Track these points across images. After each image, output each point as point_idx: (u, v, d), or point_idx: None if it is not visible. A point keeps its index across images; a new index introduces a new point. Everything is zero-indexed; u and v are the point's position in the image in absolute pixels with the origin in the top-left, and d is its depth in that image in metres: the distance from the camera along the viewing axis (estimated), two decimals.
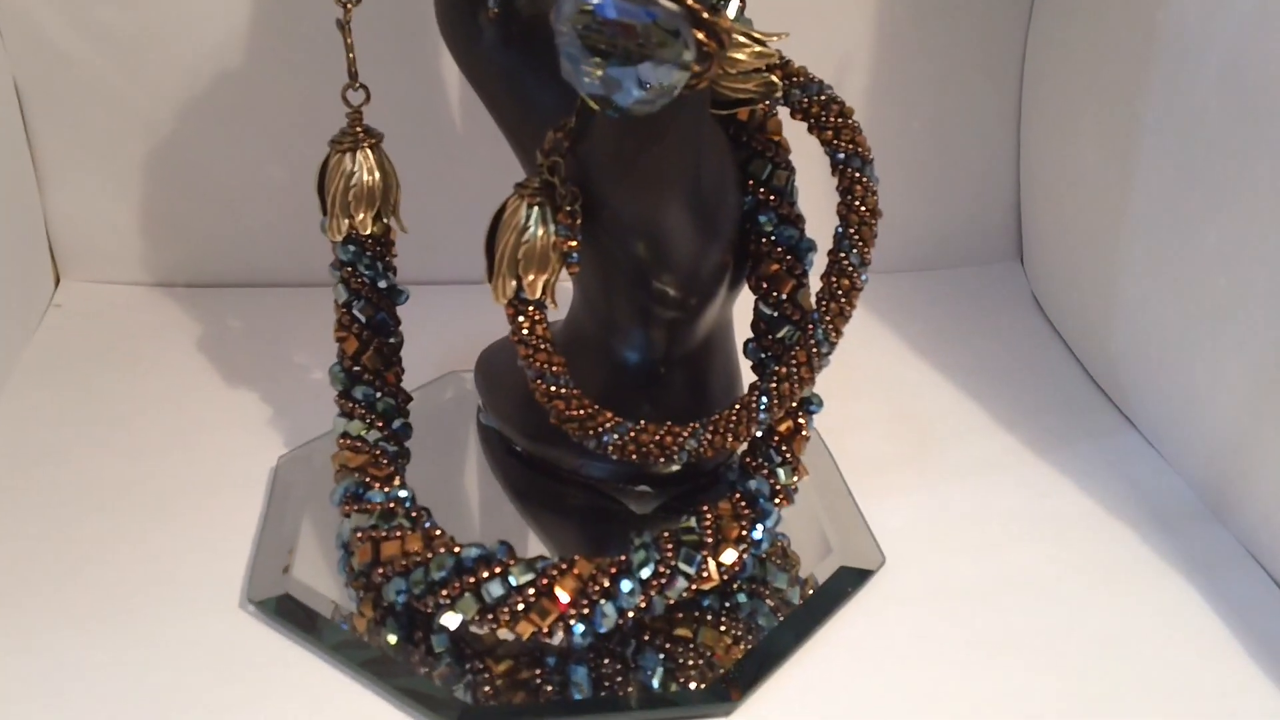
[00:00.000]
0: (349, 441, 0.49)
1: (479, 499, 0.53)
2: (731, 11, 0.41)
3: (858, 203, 0.41)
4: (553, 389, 0.43)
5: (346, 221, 0.48)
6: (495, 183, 0.47)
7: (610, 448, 0.43)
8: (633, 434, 0.44)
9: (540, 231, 0.40)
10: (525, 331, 0.42)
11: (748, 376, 0.48)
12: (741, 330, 0.49)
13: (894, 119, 0.73)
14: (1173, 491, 0.54)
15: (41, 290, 0.71)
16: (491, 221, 0.41)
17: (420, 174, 0.68)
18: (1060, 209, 0.68)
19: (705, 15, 0.33)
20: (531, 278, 0.41)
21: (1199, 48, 0.51)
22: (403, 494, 0.45)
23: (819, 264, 0.45)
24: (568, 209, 0.40)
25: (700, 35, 0.34)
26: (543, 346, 0.42)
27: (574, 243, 0.41)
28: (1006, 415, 0.61)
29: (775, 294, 0.46)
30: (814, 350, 0.43)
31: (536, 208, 0.40)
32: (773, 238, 0.45)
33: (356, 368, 0.50)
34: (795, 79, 0.41)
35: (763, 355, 0.47)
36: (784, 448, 0.46)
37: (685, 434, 0.44)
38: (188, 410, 0.60)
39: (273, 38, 0.66)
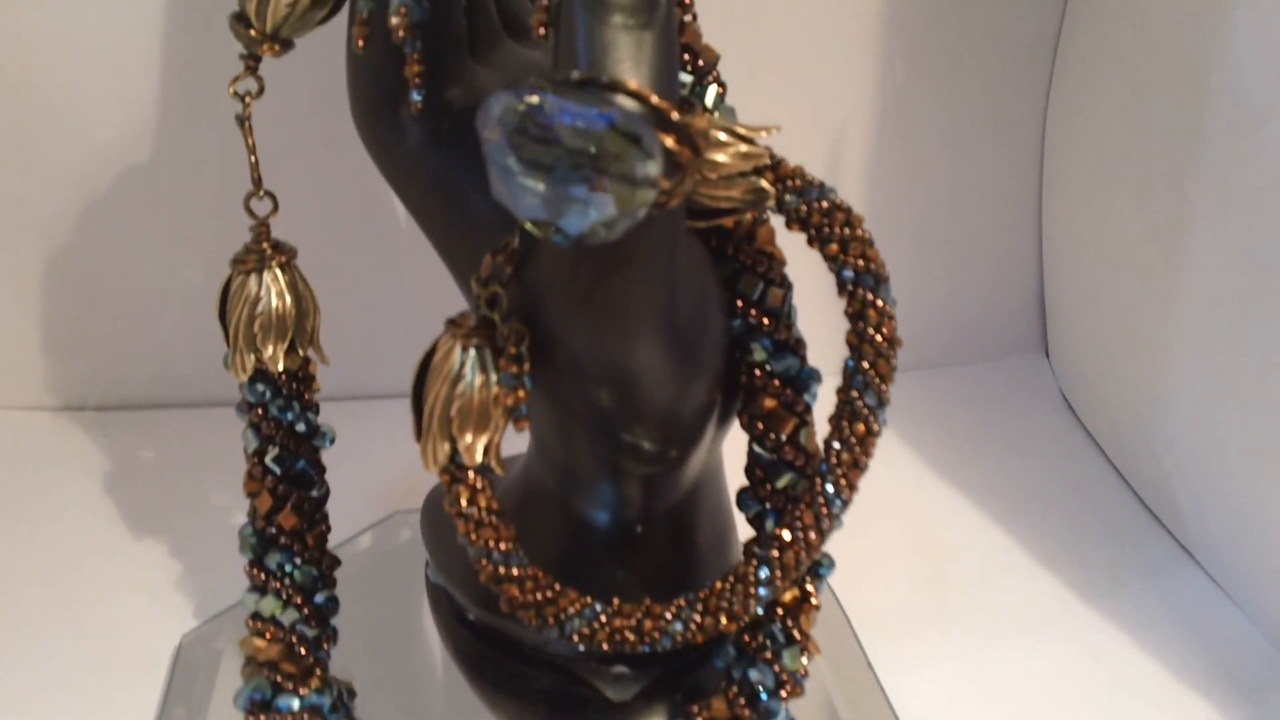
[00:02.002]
0: (260, 625, 0.41)
1: (425, 677, 0.46)
2: (709, 100, 0.35)
3: (872, 330, 0.35)
4: (501, 570, 0.36)
5: (253, 357, 0.41)
6: (443, 277, 0.41)
7: (576, 636, 0.36)
8: (603, 619, 0.36)
9: (478, 381, 0.33)
10: (464, 503, 0.35)
11: (741, 521, 0.41)
12: (731, 465, 0.42)
13: (898, 196, 0.68)
14: (1248, 644, 0.48)
15: None
16: (418, 367, 0.34)
17: (354, 269, 0.63)
18: (1092, 296, 0.62)
19: (675, 114, 0.27)
20: (469, 439, 0.34)
21: (1262, 119, 0.45)
22: (323, 700, 0.38)
23: (824, 391, 0.38)
24: (512, 352, 0.33)
25: (669, 141, 0.27)
26: (487, 520, 0.35)
27: (521, 393, 0.33)
28: (1043, 547, 0.55)
29: (773, 435, 0.39)
30: (823, 509, 0.36)
31: (473, 351, 0.33)
32: (768, 368, 0.38)
33: (271, 529, 0.43)
34: (790, 181, 0.34)
35: (760, 508, 0.39)
36: (789, 622, 0.39)
37: (669, 615, 0.37)
38: (87, 565, 0.55)
39: (182, 126, 0.60)
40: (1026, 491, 0.59)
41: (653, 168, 0.27)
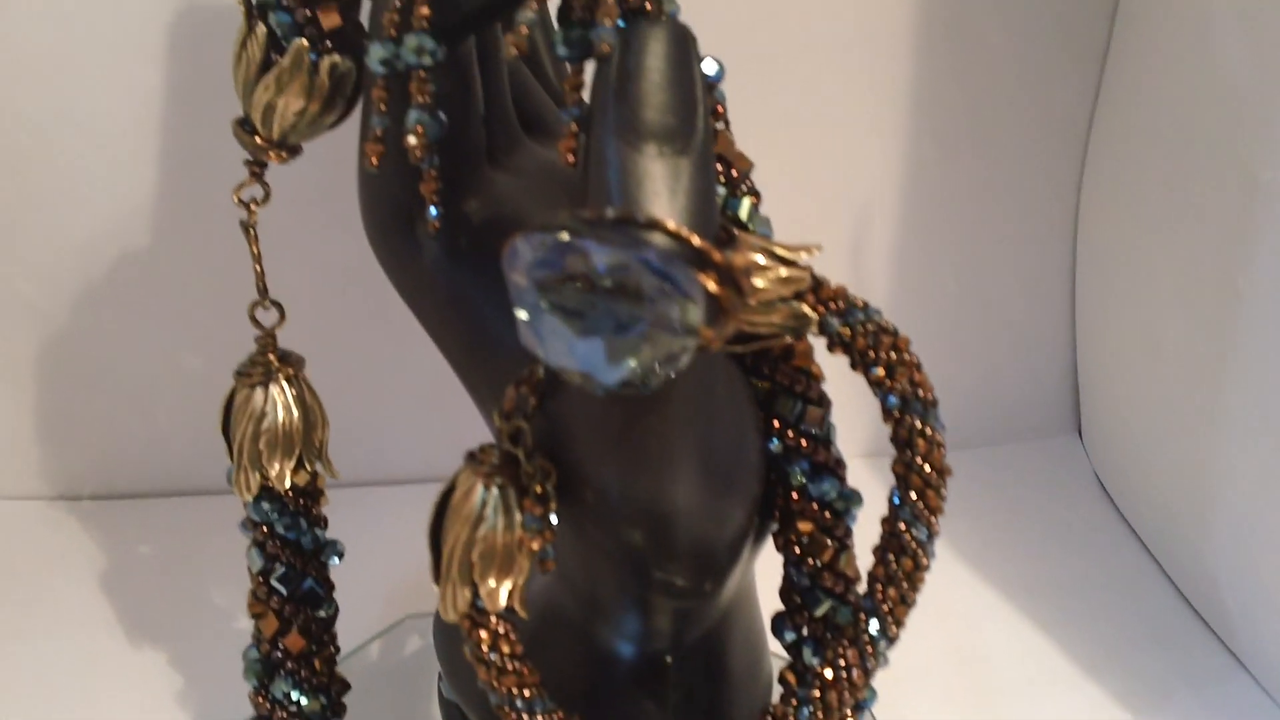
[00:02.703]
0: None
1: None
2: (744, 212, 0.33)
3: (920, 460, 0.33)
4: (525, 717, 0.33)
5: (258, 475, 0.39)
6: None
7: None
8: None
9: (501, 523, 0.31)
10: (486, 649, 0.33)
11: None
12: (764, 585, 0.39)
13: (927, 274, 0.66)
14: None
15: None
16: (436, 505, 0.32)
17: (355, 350, 0.61)
18: (1129, 379, 0.60)
19: (717, 255, 0.25)
20: (492, 584, 0.32)
21: None
22: None
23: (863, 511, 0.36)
24: (538, 491, 0.31)
25: (712, 284, 0.25)
26: (510, 667, 0.33)
27: (547, 534, 0.31)
28: (1085, 652, 0.53)
29: (811, 560, 0.37)
30: (868, 648, 0.33)
31: (496, 490, 0.31)
32: (806, 490, 0.36)
33: (277, 653, 0.41)
34: (832, 304, 0.32)
35: (797, 635, 0.37)
36: None
37: None
38: (84, 673, 0.52)
39: (181, 211, 0.59)
40: (1065, 589, 0.57)
41: (694, 314, 0.25)
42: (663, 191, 0.27)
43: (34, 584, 0.58)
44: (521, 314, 0.26)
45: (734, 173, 0.33)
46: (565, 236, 0.25)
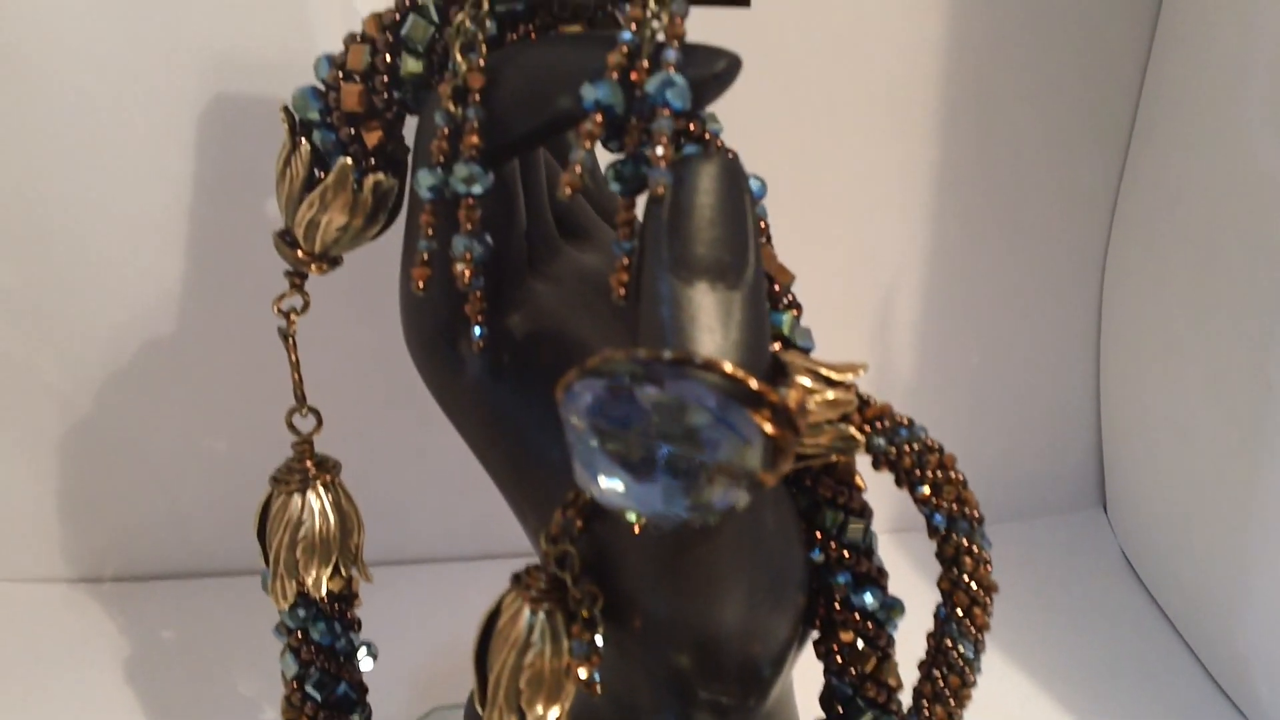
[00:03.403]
0: None
1: None
2: (785, 326, 0.33)
3: (967, 578, 0.33)
4: None
5: (294, 583, 0.39)
6: None
7: None
8: None
9: (548, 648, 0.31)
10: None
11: None
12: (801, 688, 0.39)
13: (952, 351, 0.66)
14: None
15: None
16: (481, 629, 0.32)
17: (384, 428, 0.61)
18: (1157, 457, 0.60)
19: (774, 397, 0.25)
20: (539, 710, 0.32)
21: None
22: None
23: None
24: (585, 616, 0.31)
25: (768, 426, 0.25)
26: None
27: (595, 659, 0.31)
28: None
29: (854, 670, 0.37)
30: None
31: (543, 615, 0.31)
32: (849, 602, 0.36)
33: None
34: (878, 423, 0.32)
35: None
36: None
37: None
38: None
39: (206, 297, 0.59)
40: (1092, 667, 0.57)
41: (753, 458, 0.25)
42: (716, 327, 0.27)
43: (56, 668, 0.58)
44: (577, 455, 0.26)
45: (776, 287, 0.33)
46: (623, 382, 0.25)
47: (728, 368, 0.25)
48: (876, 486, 0.37)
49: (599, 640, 0.32)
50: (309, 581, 0.40)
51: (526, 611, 0.32)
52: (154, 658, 0.59)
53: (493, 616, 0.33)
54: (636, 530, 0.27)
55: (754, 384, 0.25)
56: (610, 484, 0.26)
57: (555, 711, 0.32)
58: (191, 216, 0.57)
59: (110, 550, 0.65)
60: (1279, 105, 0.48)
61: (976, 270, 0.64)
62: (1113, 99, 0.61)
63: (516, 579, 0.32)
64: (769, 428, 0.25)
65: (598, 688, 0.32)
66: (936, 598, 0.35)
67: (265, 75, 0.54)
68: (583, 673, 0.31)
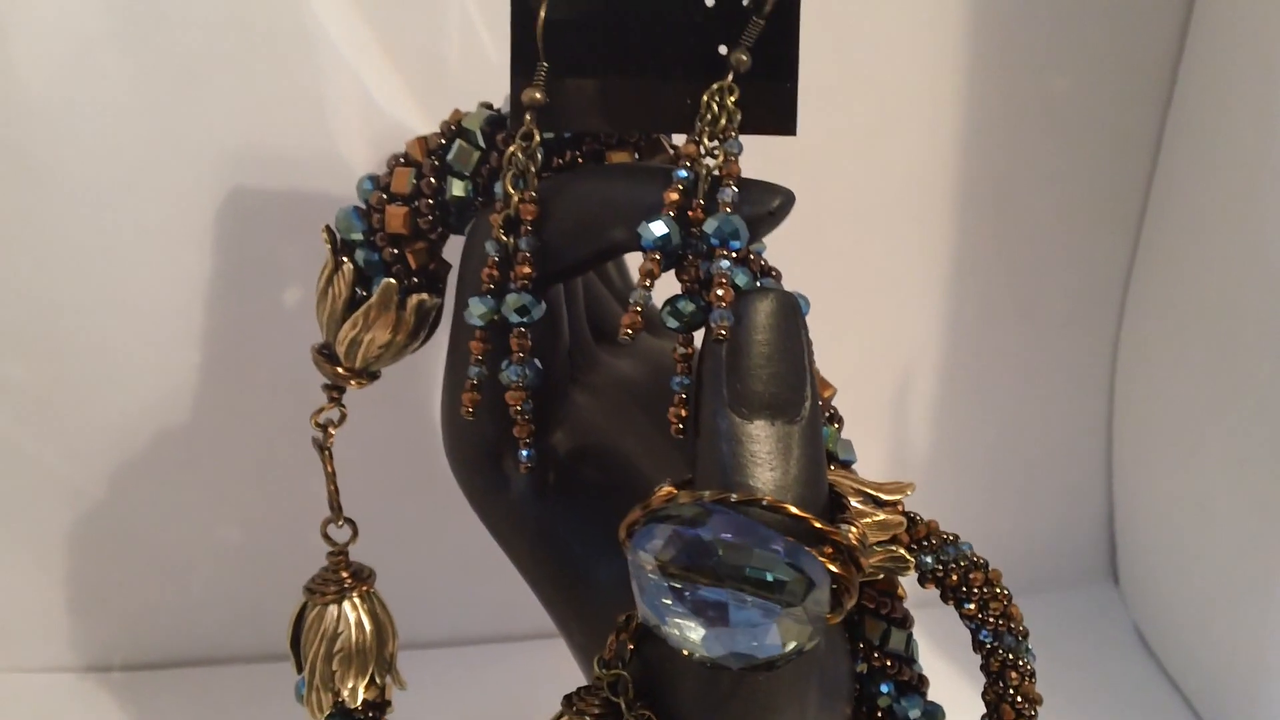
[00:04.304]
0: None
1: None
2: (830, 440, 0.34)
3: (1013, 692, 0.33)
4: None
5: (331, 695, 0.39)
6: None
7: None
8: None
9: None
10: None
11: None
12: None
13: (966, 427, 0.67)
14: None
15: None
16: None
17: (399, 511, 0.61)
18: (1171, 535, 0.61)
19: (838, 535, 0.25)
20: None
21: None
22: None
23: None
24: None
25: (834, 567, 0.26)
26: None
27: None
28: None
29: None
30: None
31: None
32: (892, 712, 0.37)
33: None
34: (926, 542, 0.33)
35: None
36: None
37: None
38: None
39: (217, 389, 0.59)
40: None
41: (822, 600, 0.25)
42: (776, 463, 0.28)
43: None
44: (643, 595, 0.27)
45: (819, 401, 0.34)
46: (694, 530, 0.25)
47: (793, 509, 0.26)
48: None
49: None
50: (345, 693, 0.40)
51: None
52: None
53: None
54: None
55: (818, 524, 0.26)
56: (678, 626, 0.26)
57: None
58: (205, 309, 0.58)
59: (118, 640, 0.65)
60: None
61: (992, 350, 0.65)
62: (1126, 187, 0.63)
63: (568, 701, 0.33)
64: (834, 567, 0.26)
65: None
66: (957, 669, 0.35)
67: (281, 169, 0.55)
68: None
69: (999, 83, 0.60)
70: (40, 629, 0.64)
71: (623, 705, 0.32)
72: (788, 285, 0.31)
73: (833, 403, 0.36)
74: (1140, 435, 0.64)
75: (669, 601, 0.26)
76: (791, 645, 0.26)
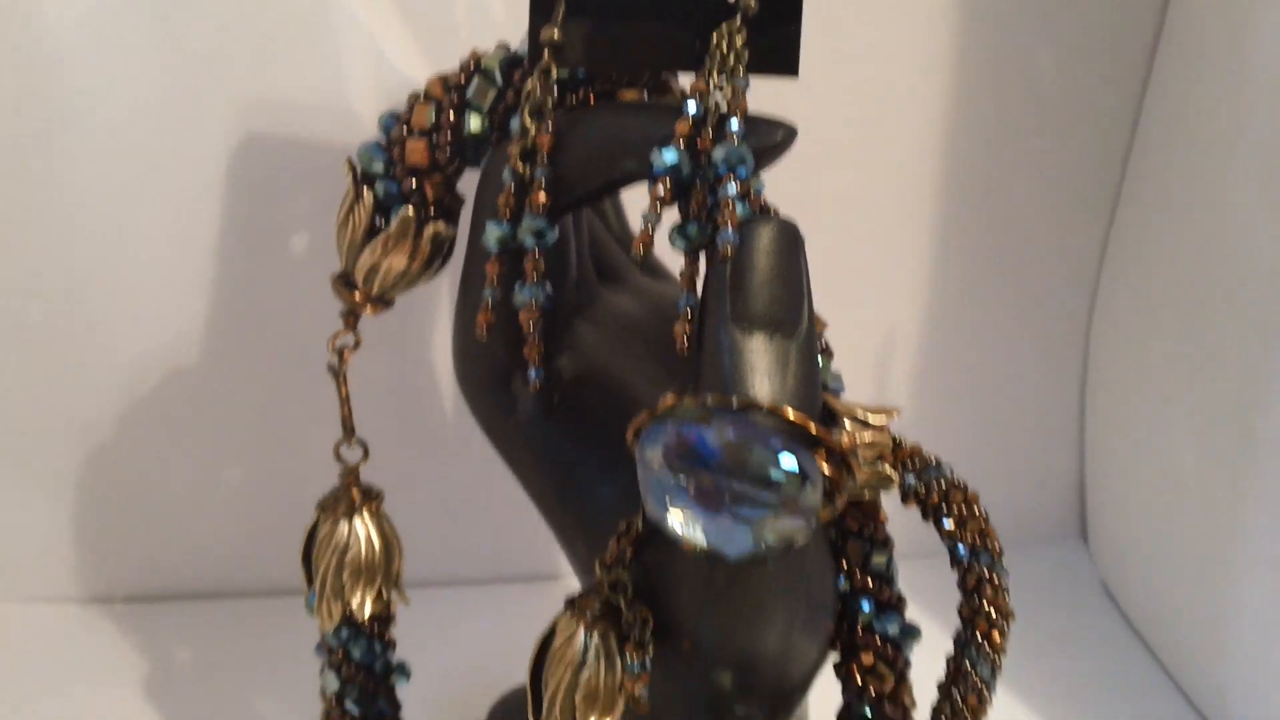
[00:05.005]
0: None
1: None
2: (821, 367, 0.36)
3: (986, 605, 0.35)
4: None
5: (340, 605, 0.41)
6: (492, 465, 0.42)
7: None
8: None
9: (602, 666, 0.34)
10: None
11: None
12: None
13: (943, 390, 0.70)
14: None
15: None
16: (537, 648, 0.35)
17: (410, 458, 0.63)
18: (1138, 495, 0.63)
19: (832, 441, 0.28)
20: None
21: None
22: None
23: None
24: (637, 638, 0.33)
25: (827, 468, 0.28)
26: None
27: (645, 677, 0.34)
28: None
29: (872, 690, 0.39)
30: None
31: (597, 636, 0.34)
32: (871, 627, 0.39)
33: None
34: (909, 463, 0.35)
35: None
36: None
37: None
38: None
39: (226, 333, 0.61)
40: (1076, 696, 0.60)
41: (814, 496, 0.28)
42: (774, 375, 0.30)
43: (69, 688, 0.60)
44: (650, 490, 0.29)
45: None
46: (698, 428, 0.27)
47: (790, 414, 0.28)
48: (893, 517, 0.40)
49: (649, 663, 0.35)
50: (354, 604, 0.42)
51: (581, 633, 0.34)
52: (168, 677, 0.60)
53: (548, 638, 0.35)
54: (693, 553, 0.30)
55: (814, 428, 0.28)
56: (681, 517, 0.28)
57: None
58: (216, 255, 0.59)
59: (123, 572, 0.67)
60: (1267, 178, 0.50)
61: (971, 317, 0.67)
62: (1103, 164, 0.65)
63: (571, 603, 0.35)
64: (828, 469, 0.28)
65: (646, 706, 0.35)
66: (939, 622, 0.37)
67: (295, 117, 0.57)
68: (637, 689, 0.34)
69: (983, 59, 0.62)
70: (47, 561, 0.66)
71: (622, 604, 0.34)
72: None
73: (824, 336, 0.38)
74: (1111, 400, 0.67)
75: (673, 496, 0.28)
76: (784, 538, 0.28)
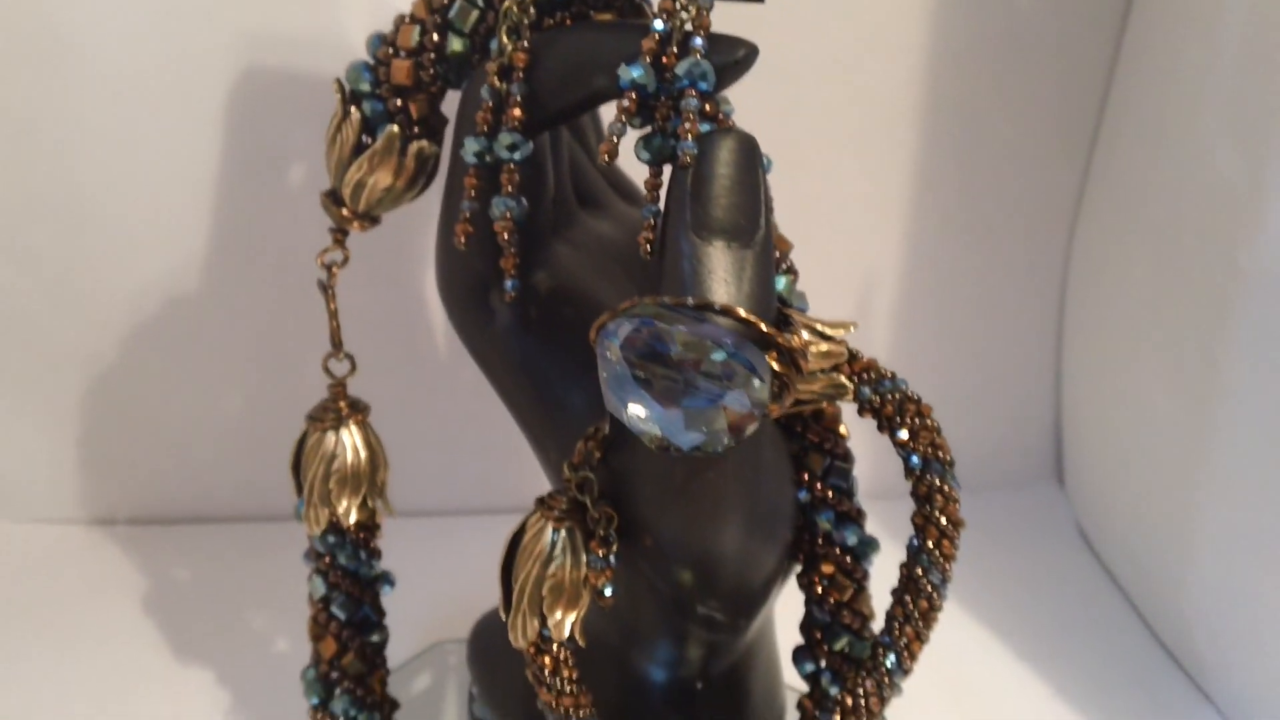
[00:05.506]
0: None
1: None
2: (781, 286, 0.37)
3: (938, 514, 0.37)
4: None
5: (327, 511, 0.43)
6: (481, 400, 0.44)
7: None
8: None
9: (568, 561, 0.35)
10: (548, 674, 0.37)
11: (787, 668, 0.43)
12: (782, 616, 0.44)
13: (924, 334, 0.71)
14: None
15: None
16: (508, 545, 0.36)
17: (402, 391, 0.64)
18: (1112, 436, 0.64)
19: (782, 339, 0.29)
20: (559, 615, 0.36)
21: None
22: None
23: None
24: (602, 534, 0.35)
25: (775, 364, 0.29)
26: (569, 690, 0.37)
27: (609, 573, 0.36)
28: (1065, 687, 0.58)
29: (832, 599, 0.41)
30: (885, 679, 0.38)
31: (564, 532, 0.35)
32: (831, 538, 0.40)
33: (335, 674, 0.45)
34: (865, 375, 0.37)
35: (816, 667, 0.41)
36: None
37: None
38: (129, 696, 0.56)
39: (223, 263, 0.62)
40: (1047, 629, 0.61)
41: (762, 391, 0.29)
42: (730, 280, 0.31)
43: (77, 608, 0.61)
44: (609, 384, 0.30)
45: (776, 254, 0.37)
46: (654, 324, 0.29)
47: (743, 312, 0.29)
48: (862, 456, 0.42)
49: (614, 560, 0.36)
50: (340, 510, 0.43)
51: (549, 529, 0.36)
52: (168, 595, 0.62)
53: (518, 534, 0.37)
54: (648, 453, 0.31)
55: (764, 327, 0.29)
56: (638, 409, 0.30)
57: (572, 617, 0.36)
58: (214, 187, 0.61)
59: (124, 496, 0.69)
60: (1236, 113, 0.51)
61: (949, 260, 0.68)
62: (1079, 103, 0.66)
63: (541, 502, 0.37)
64: (777, 365, 0.30)
65: (610, 599, 0.36)
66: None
67: (292, 51, 0.58)
68: (600, 582, 0.35)
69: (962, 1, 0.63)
70: (51, 483, 0.68)
71: (588, 503, 0.36)
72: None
73: (789, 257, 0.39)
74: (1088, 344, 0.68)
75: (629, 388, 0.30)
76: (734, 430, 0.30)
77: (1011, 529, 0.71)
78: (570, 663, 0.38)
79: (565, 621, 0.36)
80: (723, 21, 0.33)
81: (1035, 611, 0.64)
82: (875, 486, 0.44)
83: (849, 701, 0.39)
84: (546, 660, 0.37)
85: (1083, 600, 0.65)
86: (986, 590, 0.65)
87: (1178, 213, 0.56)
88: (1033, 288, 0.70)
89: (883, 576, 0.39)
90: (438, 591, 0.60)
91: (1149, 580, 0.62)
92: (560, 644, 0.37)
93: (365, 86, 0.39)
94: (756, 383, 0.29)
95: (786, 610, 0.41)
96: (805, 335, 0.35)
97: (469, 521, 0.69)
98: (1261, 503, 0.50)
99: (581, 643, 0.37)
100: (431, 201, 0.40)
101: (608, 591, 0.36)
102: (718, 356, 0.29)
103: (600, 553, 0.36)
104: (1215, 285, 0.52)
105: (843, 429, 0.40)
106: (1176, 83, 0.56)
